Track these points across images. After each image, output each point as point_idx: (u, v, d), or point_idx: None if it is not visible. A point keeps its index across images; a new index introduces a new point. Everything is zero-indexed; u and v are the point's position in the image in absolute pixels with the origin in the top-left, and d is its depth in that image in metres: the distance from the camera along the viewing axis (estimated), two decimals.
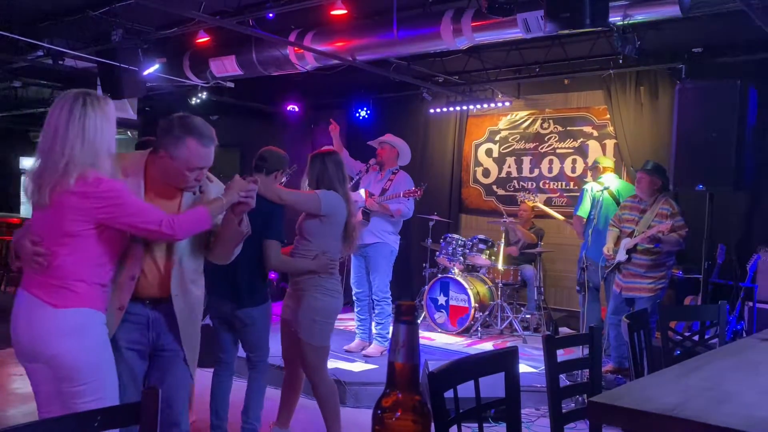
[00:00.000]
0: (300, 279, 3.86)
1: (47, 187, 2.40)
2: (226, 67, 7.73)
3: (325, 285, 3.84)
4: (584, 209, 6.56)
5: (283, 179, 4.14)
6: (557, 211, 7.95)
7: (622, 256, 5.80)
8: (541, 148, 8.68)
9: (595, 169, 6.84)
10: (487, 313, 7.40)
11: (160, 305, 2.71)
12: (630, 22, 5.42)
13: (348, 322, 7.30)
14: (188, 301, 2.75)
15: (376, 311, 6.13)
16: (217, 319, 4.03)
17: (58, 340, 2.41)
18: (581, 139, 8.37)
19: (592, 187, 6.50)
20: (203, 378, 3.69)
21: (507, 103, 8.66)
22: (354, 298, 6.30)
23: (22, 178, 14.96)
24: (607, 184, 6.41)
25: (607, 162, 6.95)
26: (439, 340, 7.06)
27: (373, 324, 6.23)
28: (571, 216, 7.31)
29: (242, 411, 3.99)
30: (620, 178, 7.17)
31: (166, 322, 2.72)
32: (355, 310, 6.35)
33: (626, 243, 5.78)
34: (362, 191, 6.02)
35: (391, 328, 5.85)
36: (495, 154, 9.10)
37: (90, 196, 2.41)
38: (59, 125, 2.44)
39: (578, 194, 8.28)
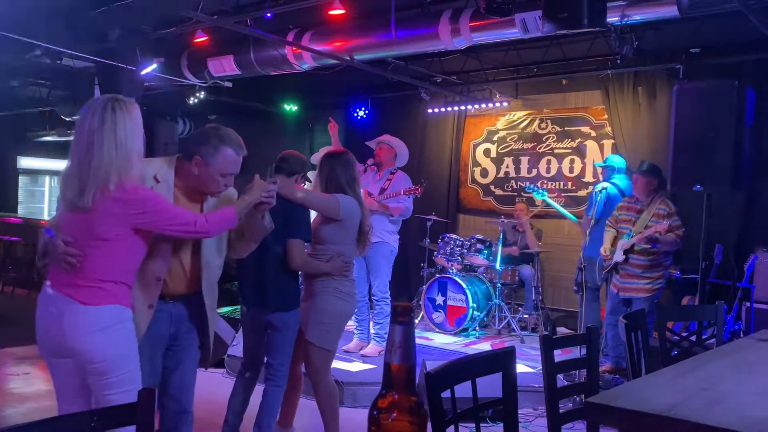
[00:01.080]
0: (313, 281, 3.86)
1: (90, 192, 2.51)
2: (224, 66, 7.73)
3: (338, 288, 3.84)
4: (599, 210, 6.46)
5: (303, 184, 4.11)
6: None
7: (619, 256, 5.80)
8: (539, 149, 8.68)
9: (608, 169, 6.73)
10: (484, 313, 7.41)
11: (182, 301, 2.93)
12: (628, 22, 5.42)
13: None
14: (213, 298, 3.01)
15: (375, 310, 6.14)
16: (248, 326, 3.97)
17: (91, 335, 2.53)
18: (579, 140, 8.38)
19: (605, 188, 6.46)
20: (206, 379, 3.67)
21: (505, 103, 8.67)
22: None
23: (20, 177, 14.95)
24: (617, 183, 6.39)
25: (621, 162, 6.80)
26: (437, 340, 7.06)
27: (371, 324, 6.24)
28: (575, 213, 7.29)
29: (255, 424, 3.87)
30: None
31: (186, 315, 2.95)
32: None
33: (623, 243, 5.78)
34: (360, 191, 6.02)
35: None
36: (493, 154, 9.11)
37: (128, 203, 2.55)
38: (92, 131, 2.54)
39: (575, 194, 8.31)
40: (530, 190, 7.69)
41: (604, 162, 6.84)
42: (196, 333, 2.99)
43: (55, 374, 2.68)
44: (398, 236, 6.22)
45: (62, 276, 2.58)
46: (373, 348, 6.12)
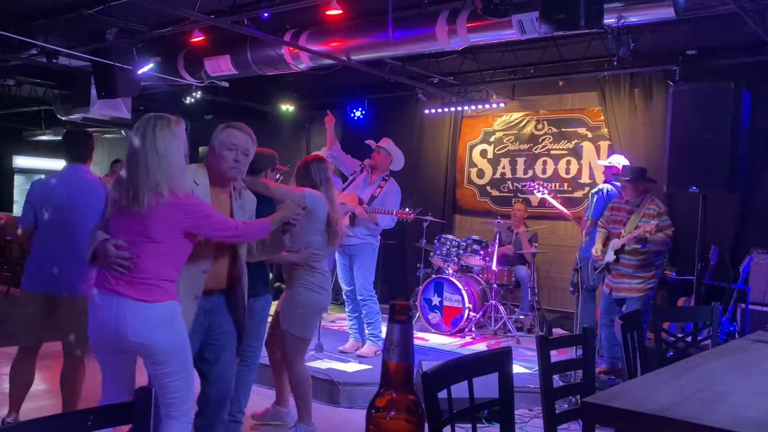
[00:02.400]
0: (289, 275, 4.20)
1: (145, 197, 2.79)
2: (221, 66, 7.72)
3: (309, 280, 4.15)
4: (597, 211, 6.43)
5: (278, 176, 4.43)
6: (557, 213, 7.63)
7: (610, 257, 5.81)
8: (536, 150, 8.69)
9: (611, 169, 6.70)
10: (480, 313, 7.41)
11: (213, 295, 3.21)
12: (624, 23, 5.43)
13: (342, 322, 7.30)
14: (242, 289, 3.33)
15: (364, 312, 6.14)
16: None
17: (153, 330, 2.79)
18: (575, 141, 8.39)
19: (604, 189, 6.45)
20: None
21: (501, 104, 8.67)
22: (344, 297, 6.32)
23: (16, 176, 14.94)
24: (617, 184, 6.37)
25: (624, 162, 6.67)
26: (433, 341, 7.07)
27: (365, 324, 6.24)
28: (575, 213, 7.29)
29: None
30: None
31: (218, 308, 3.23)
32: (347, 309, 6.36)
33: (614, 244, 5.79)
34: (353, 195, 6.09)
35: (383, 327, 5.86)
36: (489, 155, 9.11)
37: (181, 208, 2.85)
38: (137, 145, 2.86)
39: (571, 195, 8.32)
40: (531, 188, 7.68)
41: (608, 161, 6.81)
42: (232, 326, 3.28)
43: (107, 370, 2.97)
44: (380, 237, 6.30)
45: (116, 277, 2.80)
46: (368, 348, 6.13)
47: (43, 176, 4.19)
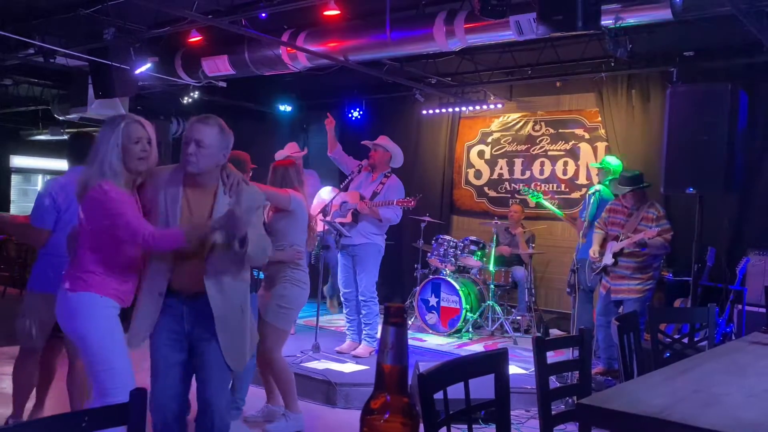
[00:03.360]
0: (273, 272, 4.43)
1: (78, 189, 2.97)
2: (219, 66, 7.71)
3: (294, 276, 4.41)
4: (592, 212, 6.45)
5: (250, 173, 4.62)
6: (554, 213, 7.69)
7: (608, 259, 5.81)
8: (533, 150, 8.70)
9: (604, 171, 6.67)
10: (478, 314, 7.41)
11: (194, 300, 3.03)
12: (622, 25, 5.43)
13: (339, 322, 7.29)
14: (224, 292, 3.03)
15: (364, 312, 6.13)
16: None
17: (69, 317, 2.95)
18: (573, 142, 8.39)
19: (600, 189, 6.45)
20: None
21: (499, 105, 8.68)
22: (342, 298, 6.31)
23: (13, 176, 14.92)
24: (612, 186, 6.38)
25: (617, 165, 6.63)
26: (430, 341, 7.07)
27: (362, 324, 6.23)
28: (570, 215, 7.27)
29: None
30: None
31: (199, 314, 3.04)
32: (345, 311, 6.35)
33: (612, 247, 5.79)
34: (354, 193, 6.06)
35: (379, 329, 5.88)
36: (487, 156, 9.11)
37: (98, 201, 2.88)
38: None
39: (568, 196, 8.33)
40: (526, 192, 7.69)
41: (600, 163, 6.82)
42: (212, 332, 3.03)
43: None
44: (385, 236, 6.25)
45: (67, 267, 3.00)
46: (364, 348, 6.12)
47: (48, 177, 4.18)
